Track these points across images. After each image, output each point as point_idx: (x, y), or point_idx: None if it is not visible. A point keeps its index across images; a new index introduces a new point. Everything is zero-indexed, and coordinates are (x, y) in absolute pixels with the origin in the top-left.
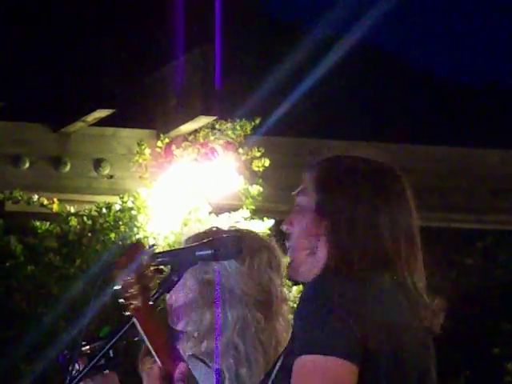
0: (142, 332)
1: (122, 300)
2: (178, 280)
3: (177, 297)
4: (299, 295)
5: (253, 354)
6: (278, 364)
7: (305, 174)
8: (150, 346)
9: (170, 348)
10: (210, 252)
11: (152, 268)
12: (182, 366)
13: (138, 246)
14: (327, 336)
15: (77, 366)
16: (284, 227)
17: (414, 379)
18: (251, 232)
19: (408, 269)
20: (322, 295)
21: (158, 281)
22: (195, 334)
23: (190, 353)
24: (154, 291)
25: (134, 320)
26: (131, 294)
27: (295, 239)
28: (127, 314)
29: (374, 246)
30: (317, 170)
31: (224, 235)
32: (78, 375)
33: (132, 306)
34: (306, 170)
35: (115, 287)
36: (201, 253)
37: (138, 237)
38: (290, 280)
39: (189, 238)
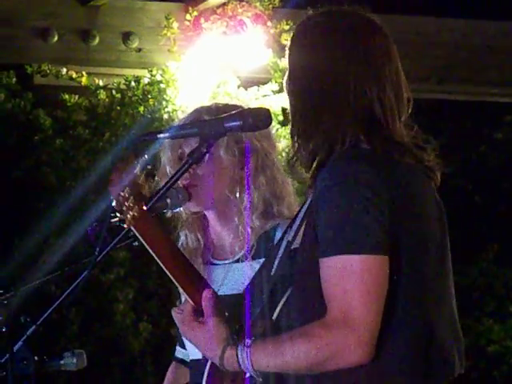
0: (143, 242)
1: (118, 216)
2: (207, 151)
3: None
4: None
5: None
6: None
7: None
8: (153, 254)
9: (176, 255)
10: (238, 123)
11: (143, 175)
12: (208, 293)
13: (127, 159)
14: (356, 233)
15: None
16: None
17: (434, 258)
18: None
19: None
20: (342, 183)
21: (149, 188)
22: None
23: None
24: (183, 162)
25: (134, 231)
26: (127, 206)
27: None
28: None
29: (367, 106)
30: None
31: (249, 107)
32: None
33: (129, 217)
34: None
35: (112, 204)
36: (229, 124)
37: (166, 110)
38: None
39: (196, 111)
